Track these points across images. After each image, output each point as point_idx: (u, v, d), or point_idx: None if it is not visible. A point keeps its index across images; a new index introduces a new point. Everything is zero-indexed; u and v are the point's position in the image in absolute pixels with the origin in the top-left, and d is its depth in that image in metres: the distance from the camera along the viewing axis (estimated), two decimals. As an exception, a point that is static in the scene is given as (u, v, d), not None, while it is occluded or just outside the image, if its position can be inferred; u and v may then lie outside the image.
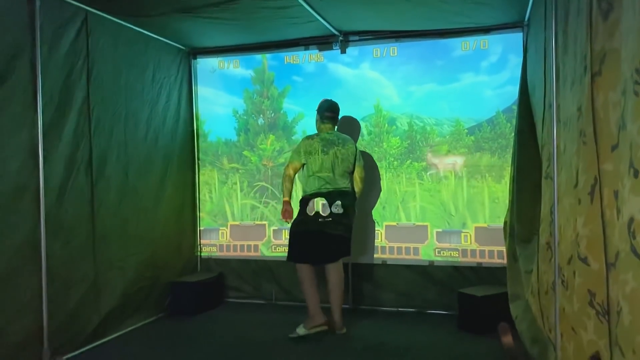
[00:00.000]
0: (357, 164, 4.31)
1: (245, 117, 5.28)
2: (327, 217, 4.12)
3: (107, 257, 4.04)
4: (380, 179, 4.87)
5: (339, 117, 4.45)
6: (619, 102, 1.57)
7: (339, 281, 4.16)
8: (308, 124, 4.88)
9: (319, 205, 4.15)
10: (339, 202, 4.13)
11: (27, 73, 3.38)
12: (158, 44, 4.75)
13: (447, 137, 4.72)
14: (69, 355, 3.64)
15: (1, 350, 3.16)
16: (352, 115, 4.91)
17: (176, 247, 5.00)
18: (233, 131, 5.31)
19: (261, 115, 5.24)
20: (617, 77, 1.59)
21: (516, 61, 4.48)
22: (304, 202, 4.21)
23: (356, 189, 4.33)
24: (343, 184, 4.20)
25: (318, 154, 4.17)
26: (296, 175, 4.38)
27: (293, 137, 5.09)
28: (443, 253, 4.72)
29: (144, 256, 4.46)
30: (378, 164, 4.88)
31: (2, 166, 3.22)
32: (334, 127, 4.39)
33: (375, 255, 4.87)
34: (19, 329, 3.29)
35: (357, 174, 4.32)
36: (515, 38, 4.49)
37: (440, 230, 4.73)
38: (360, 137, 4.92)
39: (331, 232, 4.13)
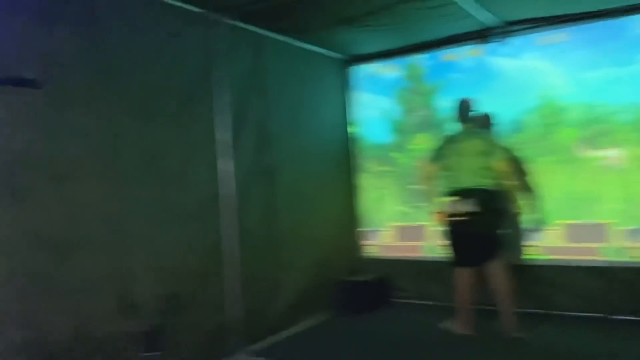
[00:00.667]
0: (498, 158, 3.99)
1: (397, 119, 5.31)
2: (464, 215, 3.96)
3: (285, 258, 4.34)
4: (527, 175, 4.51)
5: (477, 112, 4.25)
6: None
7: (501, 282, 3.97)
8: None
9: (455, 204, 4.02)
10: (473, 200, 3.94)
11: (209, 93, 3.77)
12: (319, 56, 5.00)
13: (631, 124, 4.26)
14: (254, 347, 3.94)
15: (200, 340, 3.56)
16: (516, 109, 4.69)
17: (344, 248, 5.20)
18: (387, 134, 5.40)
19: (412, 114, 5.23)
20: None
21: None
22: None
23: (508, 184, 4.05)
24: (481, 181, 3.97)
25: (469, 155, 4.02)
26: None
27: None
28: (631, 253, 4.26)
29: (316, 257, 4.71)
30: (548, 158, 4.56)
31: (194, 178, 3.64)
32: (474, 124, 4.21)
33: (551, 256, 4.56)
34: (214, 322, 3.68)
35: (502, 168, 3.99)
36: None
37: (627, 228, 4.28)
38: (527, 131, 4.67)
39: (474, 231, 3.96)
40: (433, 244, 5.11)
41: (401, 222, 5.28)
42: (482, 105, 4.31)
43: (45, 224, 2.75)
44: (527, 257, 4.53)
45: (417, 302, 5.16)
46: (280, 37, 4.43)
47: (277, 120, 4.38)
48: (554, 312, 4.51)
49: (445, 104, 5.02)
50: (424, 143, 5.16)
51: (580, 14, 4.33)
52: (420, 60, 5.18)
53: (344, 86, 5.41)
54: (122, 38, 3.21)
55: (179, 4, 3.54)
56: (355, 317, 4.72)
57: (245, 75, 4.09)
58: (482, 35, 4.75)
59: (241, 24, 4.03)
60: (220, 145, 3.82)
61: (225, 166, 3.82)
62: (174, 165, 3.50)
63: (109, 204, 3.06)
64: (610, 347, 3.65)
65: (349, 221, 5.41)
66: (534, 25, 4.54)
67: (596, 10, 4.25)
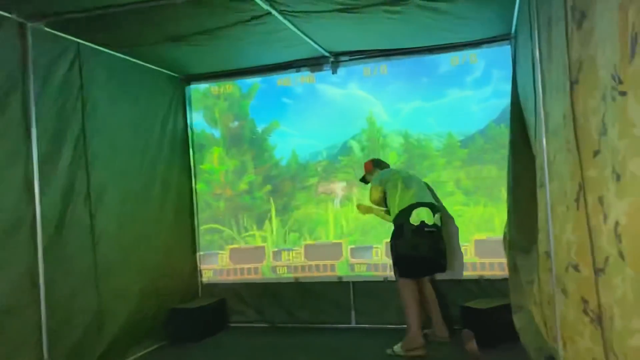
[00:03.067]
0: None
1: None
2: (432, 227, 4.24)
3: (110, 287, 4.02)
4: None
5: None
6: (598, 108, 1.59)
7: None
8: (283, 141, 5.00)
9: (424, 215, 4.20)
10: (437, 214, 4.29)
11: (20, 107, 3.41)
12: (152, 72, 4.81)
13: (441, 151, 4.75)
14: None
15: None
16: (343, 135, 5.01)
17: (178, 274, 4.98)
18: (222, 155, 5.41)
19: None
20: (595, 84, 1.61)
21: (501, 74, 4.53)
22: None
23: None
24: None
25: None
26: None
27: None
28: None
29: (146, 284, 4.44)
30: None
31: (-2, 200, 3.24)
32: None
33: (376, 273, 4.85)
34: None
35: None
36: (501, 51, 4.53)
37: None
38: (352, 155, 4.98)
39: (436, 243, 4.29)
40: (272, 265, 5.13)
41: (238, 245, 5.23)
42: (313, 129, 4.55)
43: None
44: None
45: (255, 325, 5.13)
46: (108, 51, 4.19)
47: (103, 137, 4.10)
48: (385, 326, 4.77)
49: (285, 129, 5.17)
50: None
51: (396, 49, 4.75)
52: (255, 82, 5.25)
53: (181, 106, 5.27)
54: None
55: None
56: (190, 345, 4.54)
57: (66, 88, 3.77)
58: (313, 63, 4.97)
59: (61, 34, 3.73)
60: (33, 164, 3.46)
61: (38, 187, 3.46)
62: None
63: None
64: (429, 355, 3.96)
65: (188, 245, 5.23)
66: (357, 57, 4.88)
67: (410, 47, 4.70)
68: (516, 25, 4.08)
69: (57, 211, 3.63)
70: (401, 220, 4.12)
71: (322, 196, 5.09)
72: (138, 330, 4.34)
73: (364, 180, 4.66)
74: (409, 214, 4.10)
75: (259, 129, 5.28)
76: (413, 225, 4.06)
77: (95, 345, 3.87)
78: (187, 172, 5.30)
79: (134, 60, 4.52)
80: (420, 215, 4.08)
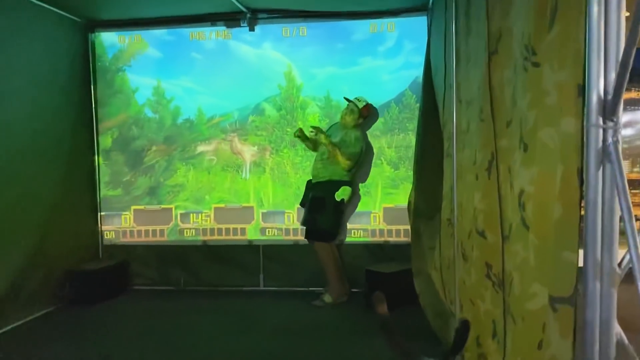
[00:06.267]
0: None
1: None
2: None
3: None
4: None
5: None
6: (511, 79, 1.62)
7: None
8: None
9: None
10: None
11: None
12: (49, 14, 4.36)
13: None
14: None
15: None
16: (255, 94, 4.87)
17: (73, 234, 4.68)
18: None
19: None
20: (511, 55, 1.64)
21: (413, 45, 4.61)
22: None
23: None
24: None
25: None
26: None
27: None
28: (354, 233, 4.79)
29: (32, 243, 4.12)
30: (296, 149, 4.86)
31: None
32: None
33: (287, 237, 4.85)
34: None
35: None
36: (416, 22, 4.59)
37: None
38: (267, 117, 4.87)
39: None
40: (178, 227, 4.97)
41: (143, 206, 5.00)
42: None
43: None
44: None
45: (158, 288, 4.97)
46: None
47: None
48: (292, 288, 4.80)
49: (191, 85, 4.93)
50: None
51: (316, 11, 4.65)
52: (162, 34, 4.94)
53: (81, 54, 4.85)
54: None
55: None
56: (86, 308, 4.31)
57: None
58: (230, 18, 4.76)
59: None
60: None
61: None
62: None
63: None
64: (328, 316, 4.05)
65: (86, 204, 4.92)
66: (275, 15, 4.72)
67: (331, 10, 4.62)
68: (433, -3, 4.13)
69: None
70: (338, 189, 4.46)
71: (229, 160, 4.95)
72: (26, 293, 4.04)
73: (348, 100, 4.53)
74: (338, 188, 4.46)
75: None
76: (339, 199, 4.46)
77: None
78: (87, 126, 4.93)
79: (27, -3, 4.08)
80: (345, 194, 4.47)
